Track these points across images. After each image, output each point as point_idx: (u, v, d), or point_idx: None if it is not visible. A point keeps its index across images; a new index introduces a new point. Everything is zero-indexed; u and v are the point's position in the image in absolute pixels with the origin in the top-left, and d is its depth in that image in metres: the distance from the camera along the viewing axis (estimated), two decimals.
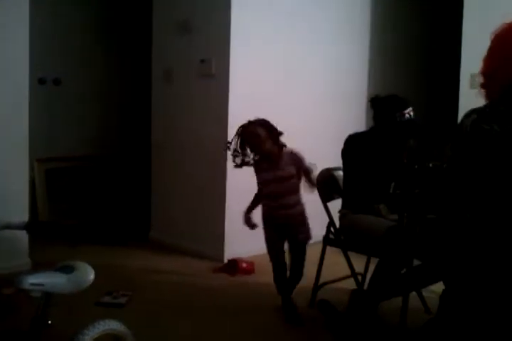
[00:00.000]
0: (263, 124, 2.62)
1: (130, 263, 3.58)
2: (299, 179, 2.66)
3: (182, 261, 3.65)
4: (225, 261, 3.58)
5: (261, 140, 2.58)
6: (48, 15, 4.32)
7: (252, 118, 2.65)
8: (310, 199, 2.94)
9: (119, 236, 4.29)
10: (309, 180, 2.62)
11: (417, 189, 2.33)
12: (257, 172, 2.70)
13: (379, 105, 2.65)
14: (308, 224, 2.73)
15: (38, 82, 4.37)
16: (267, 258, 3.11)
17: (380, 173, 2.53)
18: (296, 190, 2.68)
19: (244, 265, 3.40)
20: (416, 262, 2.44)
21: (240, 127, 2.65)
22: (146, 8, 4.29)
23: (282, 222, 2.69)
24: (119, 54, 4.95)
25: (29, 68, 3.30)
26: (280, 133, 2.62)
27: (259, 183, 2.73)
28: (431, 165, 2.31)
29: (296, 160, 2.64)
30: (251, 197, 3.71)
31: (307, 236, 2.72)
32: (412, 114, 2.57)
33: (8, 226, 1.60)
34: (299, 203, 2.70)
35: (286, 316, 2.67)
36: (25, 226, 1.73)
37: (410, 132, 2.59)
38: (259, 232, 3.79)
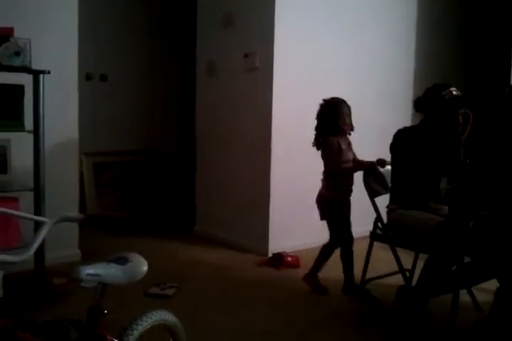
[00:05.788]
0: None
1: (176, 255, 3.63)
2: None
3: (226, 254, 3.68)
4: (270, 254, 3.59)
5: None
6: (95, 13, 4.40)
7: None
8: (356, 194, 2.92)
9: (164, 229, 4.36)
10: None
11: (469, 184, 2.27)
12: (342, 150, 2.87)
13: (424, 94, 2.60)
14: None
15: (86, 78, 4.47)
16: (312, 252, 3.10)
17: (431, 168, 2.48)
18: None
19: (289, 259, 3.39)
20: (467, 259, 2.38)
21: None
22: (191, 1, 4.32)
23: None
24: (163, 48, 5.01)
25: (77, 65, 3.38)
26: None
27: (343, 162, 2.88)
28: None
29: None
30: (294, 191, 3.73)
31: None
32: (458, 92, 2.53)
33: (66, 219, 1.62)
34: None
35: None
36: (84, 220, 1.76)
37: (461, 105, 2.52)
38: (304, 226, 3.80)
